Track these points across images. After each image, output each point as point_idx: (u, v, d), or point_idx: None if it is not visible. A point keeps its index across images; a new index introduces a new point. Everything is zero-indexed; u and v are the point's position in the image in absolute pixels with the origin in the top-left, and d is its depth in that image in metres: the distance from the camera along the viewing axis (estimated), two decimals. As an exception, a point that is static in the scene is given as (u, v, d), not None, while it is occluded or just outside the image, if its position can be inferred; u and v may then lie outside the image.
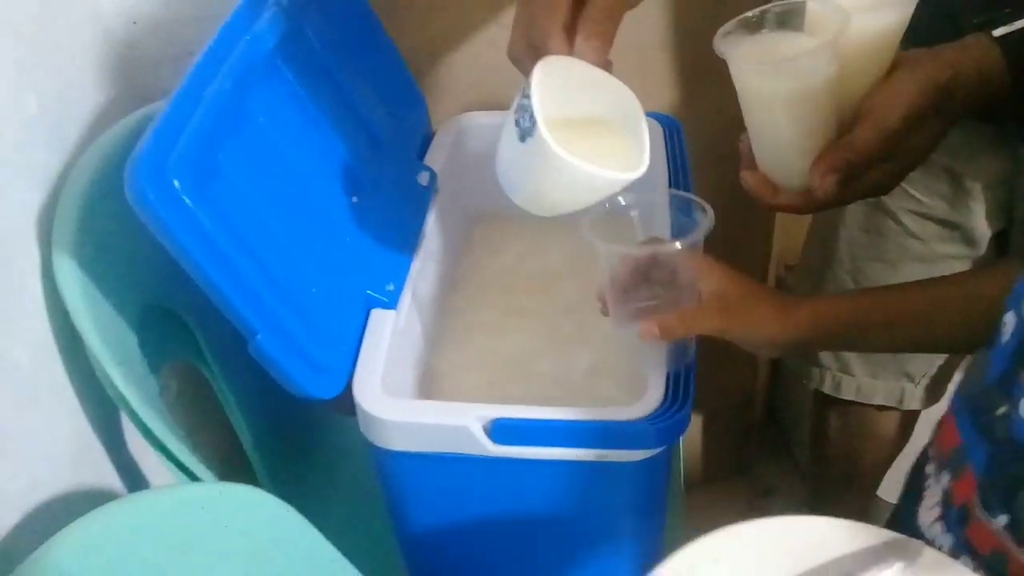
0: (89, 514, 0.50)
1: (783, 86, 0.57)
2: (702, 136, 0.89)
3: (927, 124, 0.58)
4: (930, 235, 0.87)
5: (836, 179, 0.57)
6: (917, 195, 0.85)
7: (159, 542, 0.52)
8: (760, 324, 0.61)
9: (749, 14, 0.59)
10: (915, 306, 0.63)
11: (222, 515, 0.54)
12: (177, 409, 0.77)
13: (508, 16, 0.93)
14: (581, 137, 0.56)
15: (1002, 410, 0.48)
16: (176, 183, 0.53)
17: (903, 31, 0.58)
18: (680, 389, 0.61)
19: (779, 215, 1.15)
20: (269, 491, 0.59)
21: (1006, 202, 0.82)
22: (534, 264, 0.88)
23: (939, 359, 0.98)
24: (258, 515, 0.56)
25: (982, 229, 0.85)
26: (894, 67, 0.59)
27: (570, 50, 0.55)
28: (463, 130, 0.87)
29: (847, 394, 1.02)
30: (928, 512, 0.52)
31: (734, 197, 0.98)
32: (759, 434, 1.42)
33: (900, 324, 0.63)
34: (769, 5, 0.59)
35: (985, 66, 0.57)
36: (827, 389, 1.03)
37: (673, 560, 0.47)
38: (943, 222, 0.85)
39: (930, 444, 0.56)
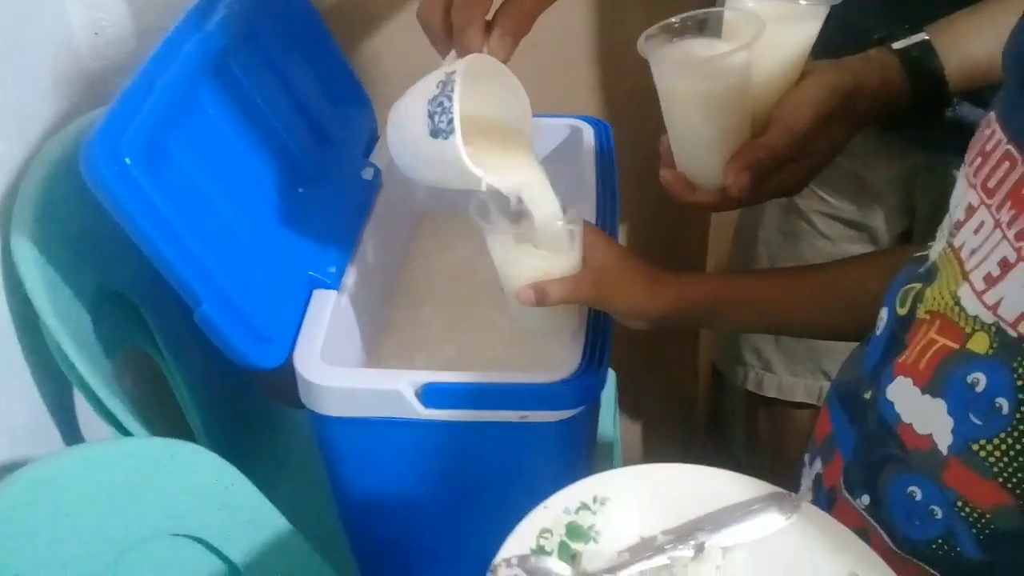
0: (30, 464, 0.54)
1: (702, 86, 0.61)
2: (636, 140, 0.95)
3: (832, 127, 0.63)
4: (838, 235, 0.93)
5: (749, 177, 0.61)
6: (827, 197, 0.91)
7: (99, 491, 0.55)
8: (630, 296, 0.64)
9: (672, 19, 0.63)
10: (788, 290, 0.66)
11: (162, 467, 0.58)
12: (132, 396, 0.81)
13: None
14: (483, 137, 0.60)
15: (868, 395, 0.52)
16: (128, 160, 0.58)
17: (812, 43, 0.63)
18: (596, 353, 0.66)
19: (713, 217, 1.21)
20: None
21: (907, 204, 0.88)
22: (479, 257, 0.93)
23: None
24: (198, 469, 0.60)
25: (886, 229, 0.91)
26: (803, 76, 0.64)
27: (485, 43, 0.60)
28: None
29: (769, 391, 1.07)
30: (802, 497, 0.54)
31: (668, 200, 1.04)
32: (701, 439, 1.47)
33: (770, 306, 0.66)
34: (690, 12, 0.63)
35: (887, 76, 0.63)
36: (751, 387, 1.08)
37: (563, 493, 0.51)
38: (850, 223, 0.91)
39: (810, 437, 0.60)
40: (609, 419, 0.97)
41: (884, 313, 0.53)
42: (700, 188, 0.66)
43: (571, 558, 0.49)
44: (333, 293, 0.73)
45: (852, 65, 0.64)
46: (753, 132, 0.64)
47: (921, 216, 0.89)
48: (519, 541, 0.49)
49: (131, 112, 0.60)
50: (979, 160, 0.47)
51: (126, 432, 0.66)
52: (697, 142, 0.64)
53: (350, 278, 0.76)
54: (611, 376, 1.01)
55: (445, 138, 0.56)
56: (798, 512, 0.50)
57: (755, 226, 0.99)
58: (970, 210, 0.46)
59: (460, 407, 0.65)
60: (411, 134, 0.58)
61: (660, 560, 0.49)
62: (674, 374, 1.35)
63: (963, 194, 0.48)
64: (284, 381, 0.69)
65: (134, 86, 0.62)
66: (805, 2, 0.62)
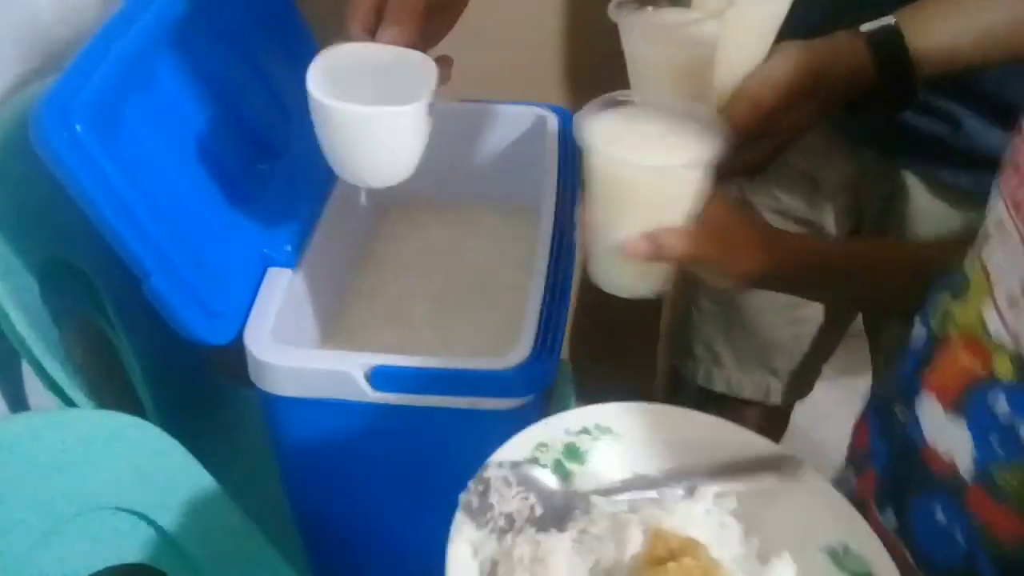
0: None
1: (670, 53, 0.62)
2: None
3: (799, 106, 0.64)
4: (789, 230, 0.93)
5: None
6: (779, 195, 0.92)
7: (40, 460, 0.54)
8: (747, 258, 0.61)
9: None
10: (875, 261, 0.66)
11: (104, 439, 0.57)
12: (80, 367, 0.80)
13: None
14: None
15: (899, 411, 0.51)
16: (78, 127, 0.57)
17: (781, 21, 0.64)
18: (547, 342, 0.66)
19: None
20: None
21: (857, 204, 0.90)
22: (443, 243, 0.93)
23: (800, 355, 1.05)
24: (141, 443, 0.59)
25: (835, 227, 0.92)
26: (771, 54, 0.65)
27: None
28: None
29: (718, 386, 1.07)
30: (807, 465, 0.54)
31: None
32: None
33: (859, 275, 0.65)
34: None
35: (854, 58, 0.64)
36: (700, 381, 1.08)
37: (568, 415, 0.50)
38: (801, 220, 0.92)
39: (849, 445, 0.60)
40: (564, 408, 0.97)
41: (919, 326, 0.52)
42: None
43: (563, 475, 0.49)
44: (288, 272, 0.72)
45: (820, 46, 0.65)
46: (719, 107, 0.64)
47: (869, 217, 0.90)
48: (515, 449, 0.49)
49: (84, 78, 0.59)
50: (1010, 171, 0.45)
51: (71, 403, 0.65)
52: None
53: (306, 258, 0.75)
54: (567, 368, 1.01)
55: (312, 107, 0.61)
56: (800, 476, 0.50)
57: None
58: (999, 225, 0.45)
59: (409, 391, 0.65)
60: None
61: (650, 494, 0.49)
62: (633, 368, 1.36)
63: (994, 206, 0.46)
64: (236, 359, 0.68)
65: (88, 51, 0.61)
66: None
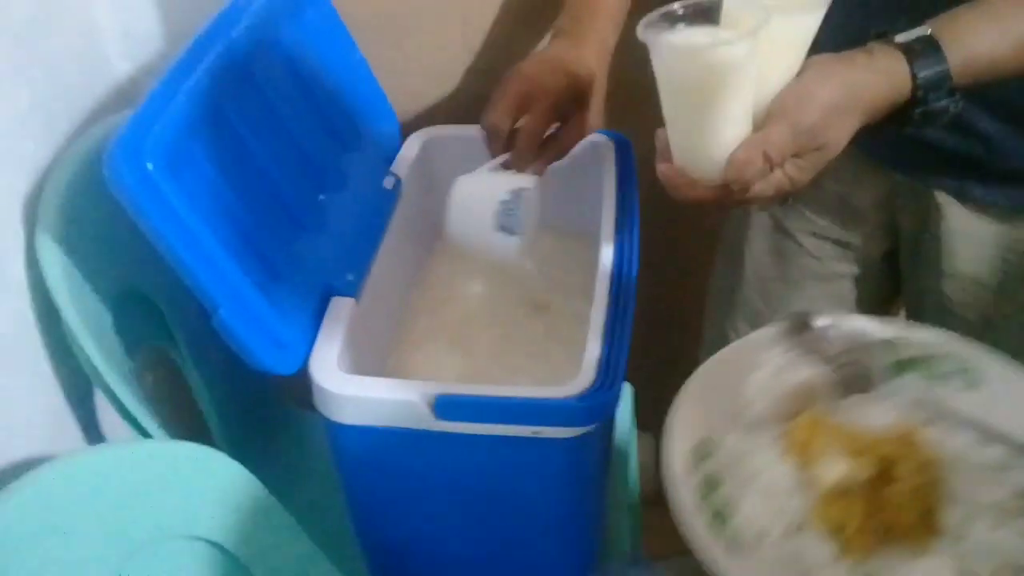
0: (49, 462, 0.54)
1: (704, 75, 0.59)
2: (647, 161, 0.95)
3: (838, 122, 0.60)
4: (826, 254, 0.92)
5: (752, 172, 0.59)
6: (812, 217, 0.90)
7: (115, 491, 0.56)
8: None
9: (674, 6, 0.61)
10: None
11: (178, 470, 0.59)
12: (151, 395, 0.82)
13: (475, 38, 1.00)
14: None
15: None
16: (150, 166, 0.58)
17: (814, 34, 0.62)
18: (610, 371, 0.66)
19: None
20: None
21: (891, 223, 0.88)
22: (498, 268, 0.93)
23: None
24: (210, 472, 0.61)
25: (871, 248, 0.90)
26: (804, 68, 0.62)
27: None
28: (430, 141, 0.93)
29: None
30: None
31: (683, 212, 1.01)
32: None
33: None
34: (690, 2, 0.61)
35: (891, 69, 0.61)
36: None
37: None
38: (837, 242, 0.90)
39: None
40: (625, 433, 0.97)
41: None
42: (700, 183, 0.63)
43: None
44: (351, 301, 0.73)
45: (856, 58, 0.62)
46: (753, 125, 0.62)
47: (905, 236, 0.88)
48: None
49: (154, 117, 0.61)
50: None
51: (144, 431, 0.67)
52: (699, 132, 0.61)
53: (368, 286, 0.76)
54: (628, 389, 1.01)
55: (510, 235, 0.73)
56: None
57: (741, 245, 0.98)
58: None
59: (473, 420, 0.65)
60: (477, 218, 0.73)
61: None
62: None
63: None
64: (301, 383, 0.69)
65: (158, 92, 0.63)
66: None
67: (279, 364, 0.66)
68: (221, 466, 0.62)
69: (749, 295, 1.00)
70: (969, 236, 0.81)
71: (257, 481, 0.63)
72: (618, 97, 1.08)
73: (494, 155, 0.76)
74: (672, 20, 0.61)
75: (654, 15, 0.60)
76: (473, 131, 0.94)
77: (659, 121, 0.64)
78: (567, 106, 0.75)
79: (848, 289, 0.95)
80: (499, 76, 0.96)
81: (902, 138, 0.64)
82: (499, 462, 0.68)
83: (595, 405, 0.64)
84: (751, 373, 0.60)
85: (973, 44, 0.61)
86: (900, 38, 0.62)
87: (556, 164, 0.92)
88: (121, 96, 0.81)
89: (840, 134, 0.61)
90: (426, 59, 1.00)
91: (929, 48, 0.61)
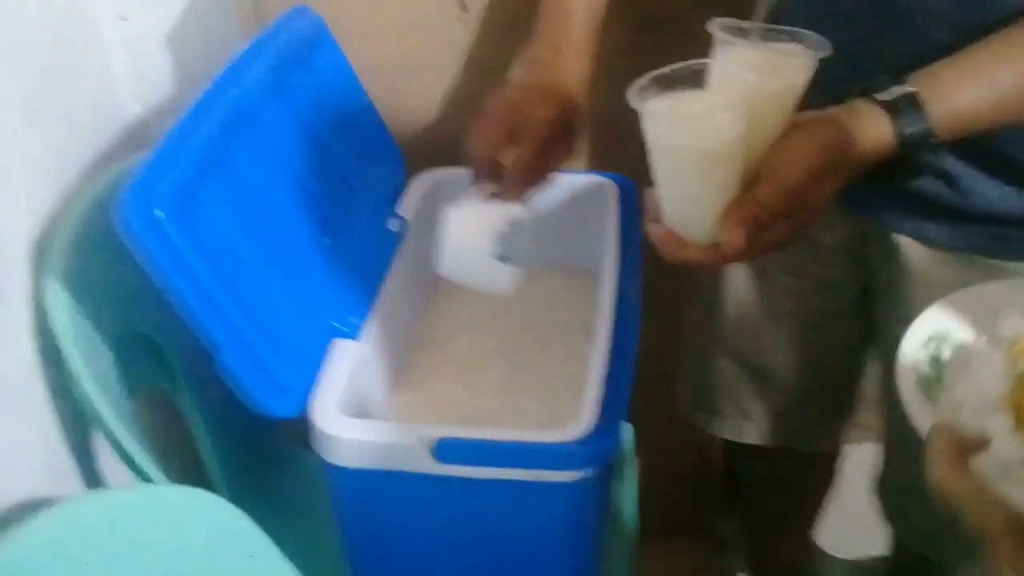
0: (48, 509, 0.54)
1: (697, 142, 0.60)
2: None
3: (824, 182, 0.61)
4: (804, 291, 0.93)
5: (743, 234, 0.60)
6: (788, 256, 0.91)
7: (115, 538, 0.56)
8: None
9: (664, 69, 0.62)
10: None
11: (174, 515, 0.59)
12: (150, 436, 0.82)
13: (481, 82, 1.02)
14: None
15: None
16: (160, 214, 0.59)
17: (801, 95, 0.62)
18: (610, 413, 0.66)
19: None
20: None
21: (863, 259, 0.88)
22: (499, 311, 0.94)
23: (827, 399, 1.04)
24: (210, 517, 0.61)
25: (848, 283, 0.91)
26: (791, 127, 0.63)
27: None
28: (434, 183, 0.95)
29: (750, 439, 1.06)
30: None
31: (656, 260, 1.01)
32: (717, 489, 1.46)
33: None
34: (679, 64, 0.62)
35: (875, 127, 0.62)
36: (731, 435, 1.07)
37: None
38: (815, 278, 0.91)
39: None
40: (628, 473, 0.97)
41: None
42: (691, 244, 0.64)
43: None
44: (353, 343, 0.74)
45: (841, 117, 0.63)
46: (743, 186, 0.62)
47: (874, 274, 0.89)
48: None
49: (165, 166, 0.62)
50: None
51: (143, 473, 0.67)
52: (691, 197, 0.62)
53: (370, 328, 0.77)
54: (627, 429, 1.01)
55: (507, 264, 0.73)
56: None
57: (718, 284, 0.99)
58: None
59: (474, 463, 0.65)
60: (474, 249, 0.73)
61: None
62: (688, 426, 1.34)
63: None
64: (302, 424, 0.69)
65: (169, 140, 0.64)
66: (795, 53, 0.61)
67: (280, 407, 0.67)
68: (220, 511, 0.62)
69: (729, 333, 1.01)
70: (929, 279, 0.81)
71: (256, 527, 0.64)
72: (620, 140, 1.10)
73: (480, 185, 0.76)
74: (662, 84, 0.62)
75: (644, 80, 0.61)
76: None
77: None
78: (555, 134, 0.76)
79: (830, 324, 0.96)
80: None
81: (864, 181, 0.65)
82: (498, 505, 0.68)
83: (595, 449, 0.65)
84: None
85: (955, 100, 0.62)
86: (883, 96, 0.62)
87: (561, 203, 0.94)
88: (133, 139, 0.83)
89: (826, 193, 0.62)
90: (432, 102, 1.02)
91: (912, 106, 0.62)
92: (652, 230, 0.64)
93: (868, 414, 1.13)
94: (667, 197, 0.63)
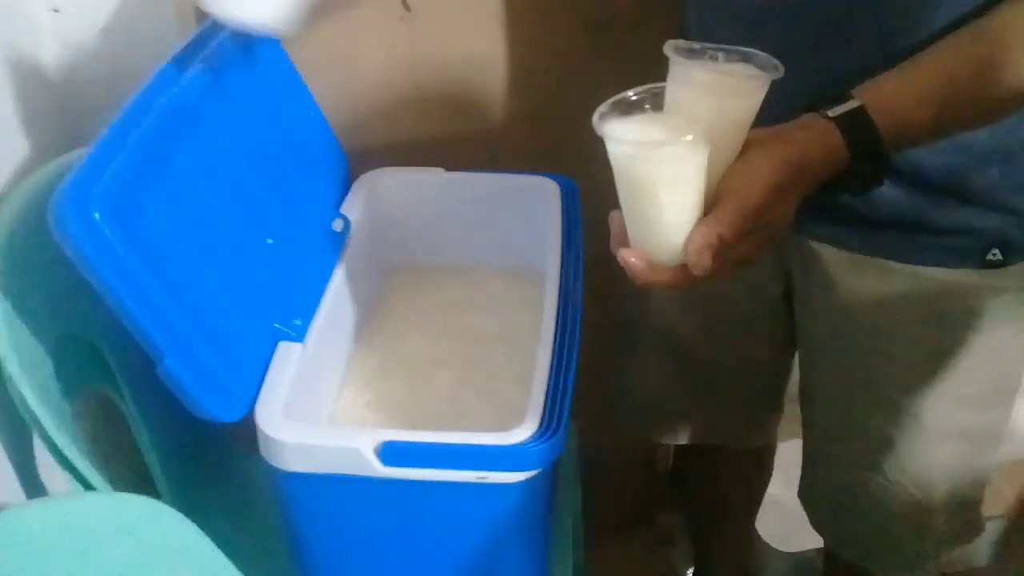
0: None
1: (662, 168, 0.60)
2: (600, 199, 0.97)
3: (783, 199, 0.63)
4: (735, 295, 0.96)
5: (710, 255, 0.60)
6: None
7: (56, 548, 0.55)
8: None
9: (628, 93, 0.62)
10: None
11: (118, 523, 0.58)
12: (92, 441, 0.80)
13: (425, 81, 1.02)
14: None
15: None
16: (97, 215, 0.58)
17: (755, 114, 0.63)
18: (556, 414, 0.67)
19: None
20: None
21: (785, 264, 0.92)
22: (451, 308, 0.95)
23: (760, 395, 1.08)
24: (155, 525, 0.60)
25: (774, 288, 0.94)
26: (747, 147, 0.64)
27: None
28: (378, 183, 0.95)
29: (686, 439, 1.10)
30: None
31: (594, 264, 1.01)
32: (661, 484, 1.49)
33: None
34: (644, 88, 0.62)
35: (828, 142, 0.64)
36: (668, 439, 1.12)
37: None
38: (744, 282, 0.94)
39: None
40: (571, 473, 0.98)
41: None
42: (659, 267, 0.64)
43: None
44: (298, 346, 0.73)
45: (794, 134, 0.64)
46: (704, 205, 0.63)
47: (792, 278, 0.92)
48: None
49: (102, 167, 0.60)
50: None
51: (84, 480, 0.66)
52: (656, 222, 0.62)
53: (316, 329, 0.76)
54: (573, 430, 1.02)
55: None
56: None
57: (650, 291, 1.01)
58: None
59: (419, 466, 0.65)
60: None
61: None
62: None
63: None
64: (248, 427, 0.69)
65: (106, 138, 0.63)
66: (750, 75, 0.62)
67: (225, 412, 0.66)
68: (165, 518, 0.61)
69: (663, 340, 1.04)
70: (843, 282, 0.84)
71: (202, 534, 0.63)
72: (562, 141, 1.11)
73: None
74: (624, 108, 0.62)
75: (606, 105, 0.61)
76: (421, 173, 0.96)
77: (601, 171, 0.65)
78: None
79: (758, 327, 0.99)
80: (448, 119, 0.97)
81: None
82: (445, 507, 0.68)
83: (540, 450, 0.66)
84: None
85: (900, 112, 0.64)
86: (832, 111, 0.64)
87: (504, 204, 0.95)
88: (69, 134, 0.81)
89: (786, 210, 0.63)
90: (375, 102, 1.01)
91: (860, 119, 0.63)
92: (622, 255, 0.64)
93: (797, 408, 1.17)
94: (634, 221, 0.64)
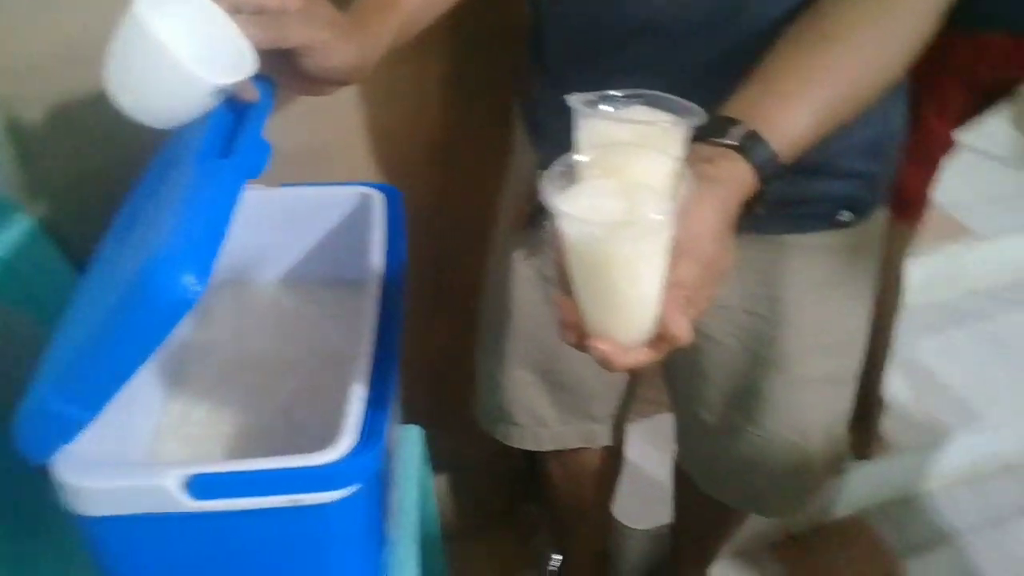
0: None
1: (640, 246, 0.54)
2: (423, 209, 0.96)
3: (724, 242, 0.61)
4: None
5: (687, 319, 0.57)
6: None
7: None
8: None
9: (577, 158, 0.55)
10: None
11: None
12: None
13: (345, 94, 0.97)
14: None
15: None
16: None
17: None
18: (371, 431, 0.66)
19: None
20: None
21: None
22: (275, 323, 0.92)
23: (615, 399, 1.12)
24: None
25: None
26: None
27: None
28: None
29: (548, 446, 1.13)
30: None
31: (449, 266, 1.01)
32: (522, 477, 1.50)
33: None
34: (591, 151, 0.56)
35: (738, 173, 0.62)
36: (530, 446, 1.13)
37: None
38: None
39: None
40: (417, 475, 0.98)
41: None
42: (633, 348, 0.58)
43: None
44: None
45: (707, 171, 0.61)
46: None
47: None
48: None
49: None
50: None
51: None
52: (625, 303, 0.56)
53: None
54: (418, 433, 1.02)
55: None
56: None
57: (509, 295, 1.02)
58: None
59: (229, 496, 0.63)
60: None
61: None
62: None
63: None
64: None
65: None
66: (674, 124, 0.58)
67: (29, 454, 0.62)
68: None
69: (523, 345, 1.04)
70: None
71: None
72: (386, 149, 1.10)
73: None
74: (570, 175, 0.55)
75: (554, 170, 0.54)
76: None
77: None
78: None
79: None
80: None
81: None
82: (264, 535, 0.67)
83: (356, 466, 0.65)
84: None
85: (785, 126, 0.65)
86: (728, 140, 0.63)
87: (327, 216, 0.93)
88: None
89: (729, 250, 0.62)
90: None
91: (756, 142, 0.63)
92: (594, 347, 0.58)
93: (652, 389, 1.21)
94: (598, 306, 0.57)
